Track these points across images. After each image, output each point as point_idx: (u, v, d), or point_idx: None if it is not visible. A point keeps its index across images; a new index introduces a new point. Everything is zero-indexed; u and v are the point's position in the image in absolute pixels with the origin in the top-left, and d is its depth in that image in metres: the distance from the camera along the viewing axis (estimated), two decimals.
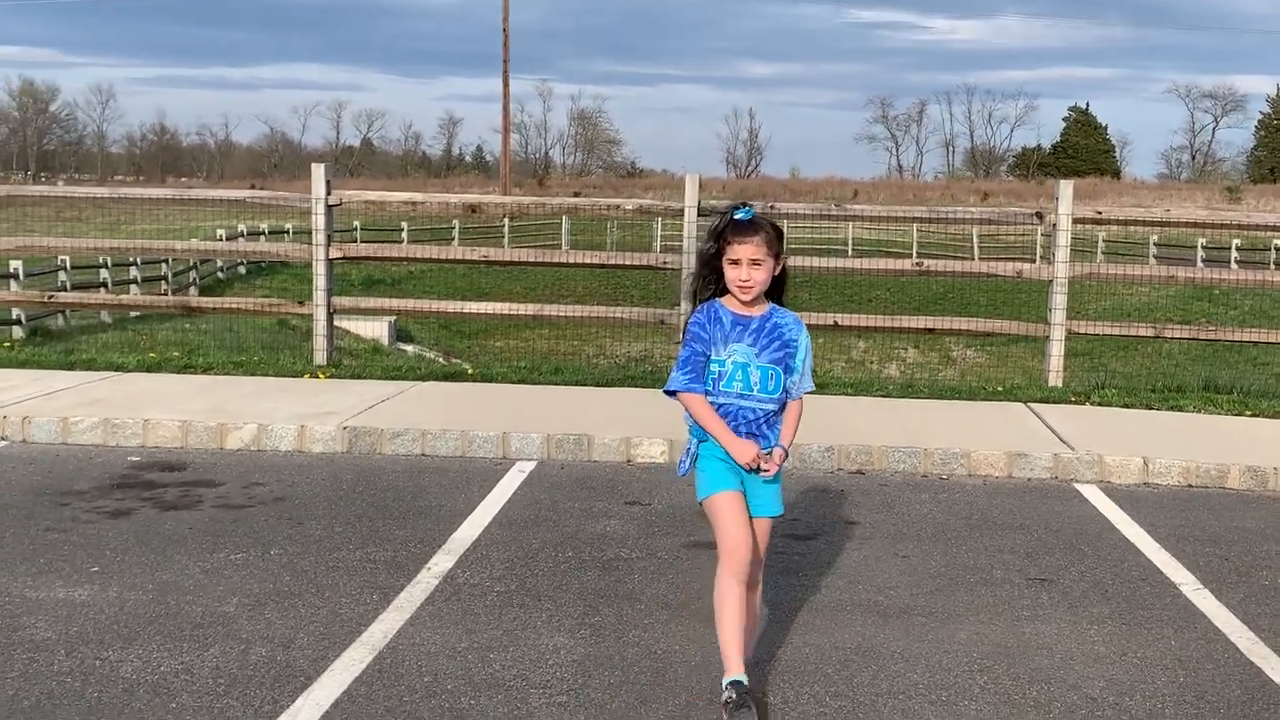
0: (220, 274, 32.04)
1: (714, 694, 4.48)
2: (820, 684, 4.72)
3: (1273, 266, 32.90)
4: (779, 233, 4.35)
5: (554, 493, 7.44)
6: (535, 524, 6.77)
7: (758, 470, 4.32)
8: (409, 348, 25.30)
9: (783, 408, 4.41)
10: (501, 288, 31.21)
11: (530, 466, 8.04)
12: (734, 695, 4.21)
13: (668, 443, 8.17)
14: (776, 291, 4.45)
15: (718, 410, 4.34)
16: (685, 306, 4.57)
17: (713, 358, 4.33)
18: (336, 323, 11.67)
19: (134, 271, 25.94)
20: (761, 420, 4.36)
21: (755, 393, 4.33)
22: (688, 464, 4.50)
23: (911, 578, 6.03)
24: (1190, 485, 8.04)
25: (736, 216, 4.33)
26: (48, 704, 4.33)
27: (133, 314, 20.67)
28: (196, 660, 4.76)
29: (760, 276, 4.29)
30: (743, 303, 4.35)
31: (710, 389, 4.34)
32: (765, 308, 4.40)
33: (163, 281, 26.99)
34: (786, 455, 4.41)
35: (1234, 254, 38.33)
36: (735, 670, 4.28)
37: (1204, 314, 30.46)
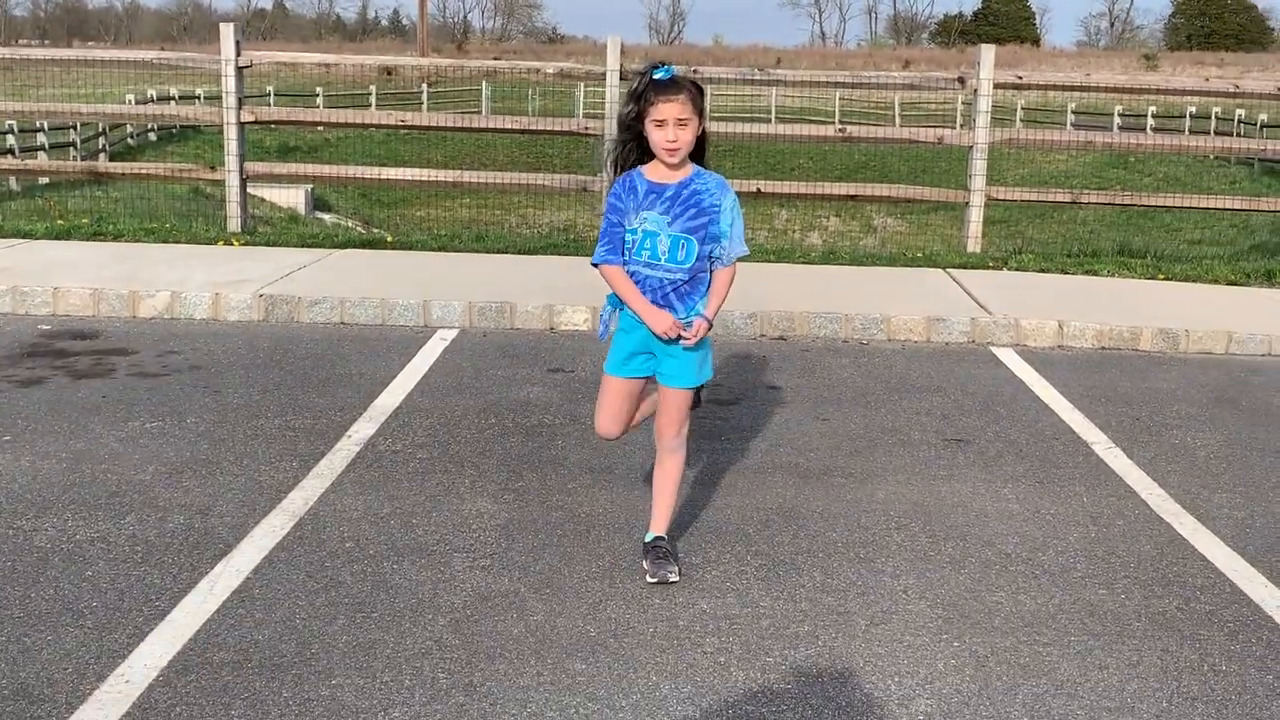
0: (131, 140, 31.18)
1: (637, 556, 4.53)
2: (741, 543, 4.77)
3: (1187, 133, 33.22)
4: (701, 90, 4.22)
5: (476, 360, 7.40)
6: (458, 391, 6.74)
7: (676, 340, 4.29)
8: (327, 217, 24.91)
9: (694, 277, 4.29)
10: (421, 156, 30.72)
11: (452, 334, 7.98)
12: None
13: (590, 310, 8.13)
14: (699, 152, 4.33)
15: (631, 273, 4.30)
16: (607, 175, 4.43)
17: (627, 226, 4.26)
18: (252, 191, 11.43)
19: (41, 138, 25.18)
20: (669, 289, 4.27)
21: (663, 262, 4.24)
22: (605, 330, 4.48)
23: (831, 440, 6.09)
24: (1104, 348, 8.17)
25: (656, 76, 4.18)
26: None
27: (41, 181, 20.09)
28: (112, 529, 4.71)
29: (687, 137, 4.16)
30: (669, 166, 4.22)
31: (625, 257, 4.29)
32: (687, 172, 4.27)
33: (71, 148, 26.24)
34: (710, 325, 4.34)
35: (1150, 121, 38.65)
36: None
37: (1120, 181, 30.78)
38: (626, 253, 4.28)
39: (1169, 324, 8.27)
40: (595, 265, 4.35)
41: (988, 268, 10.24)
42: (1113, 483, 5.64)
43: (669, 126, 4.14)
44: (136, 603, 4.10)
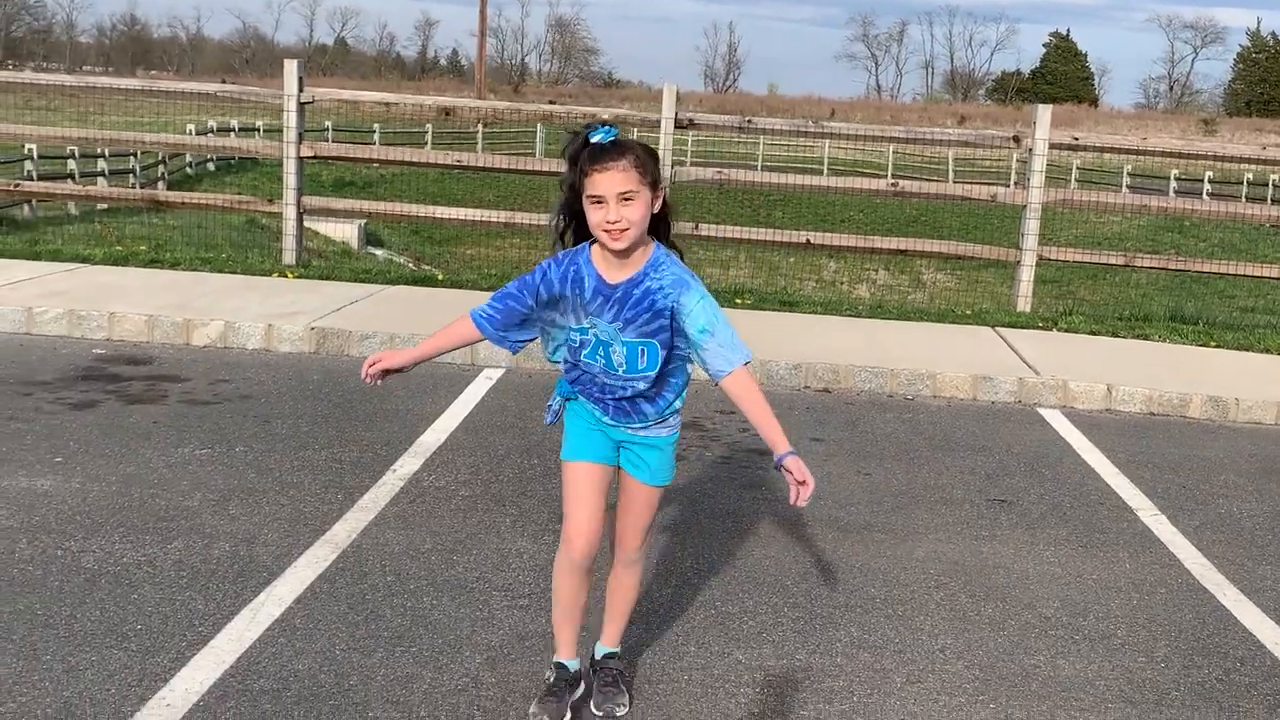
0: (189, 169, 31.67)
1: (675, 603, 4.54)
2: (779, 595, 4.77)
3: (1244, 200, 32.99)
4: (653, 156, 3.37)
5: (521, 400, 7.45)
6: (502, 430, 6.78)
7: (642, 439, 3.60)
8: (379, 252, 25.18)
9: (661, 376, 3.51)
10: (474, 195, 30.95)
11: (498, 374, 8.04)
12: (550, 676, 3.77)
13: None
14: (663, 231, 3.51)
15: (580, 375, 3.58)
16: (558, 249, 3.59)
17: (571, 326, 3.51)
18: (306, 224, 11.57)
19: (102, 164, 25.62)
20: (638, 398, 3.53)
21: (620, 373, 3.48)
22: (551, 418, 3.72)
23: (873, 495, 6.09)
24: (1152, 413, 8.11)
25: (594, 139, 3.31)
26: (8, 591, 4.33)
27: (100, 207, 20.44)
28: (159, 553, 4.77)
29: (634, 215, 3.29)
30: (615, 253, 3.36)
31: (570, 357, 3.58)
32: (640, 264, 3.40)
33: (130, 175, 26.67)
34: (807, 484, 3.33)
35: (1207, 186, 38.42)
36: (562, 654, 3.77)
37: (1173, 245, 30.60)
38: (573, 351, 3.56)
39: (1219, 392, 8.21)
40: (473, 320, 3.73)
41: (1037, 328, 10.21)
42: (1156, 550, 5.60)
43: (609, 204, 3.27)
44: (180, 627, 4.15)
